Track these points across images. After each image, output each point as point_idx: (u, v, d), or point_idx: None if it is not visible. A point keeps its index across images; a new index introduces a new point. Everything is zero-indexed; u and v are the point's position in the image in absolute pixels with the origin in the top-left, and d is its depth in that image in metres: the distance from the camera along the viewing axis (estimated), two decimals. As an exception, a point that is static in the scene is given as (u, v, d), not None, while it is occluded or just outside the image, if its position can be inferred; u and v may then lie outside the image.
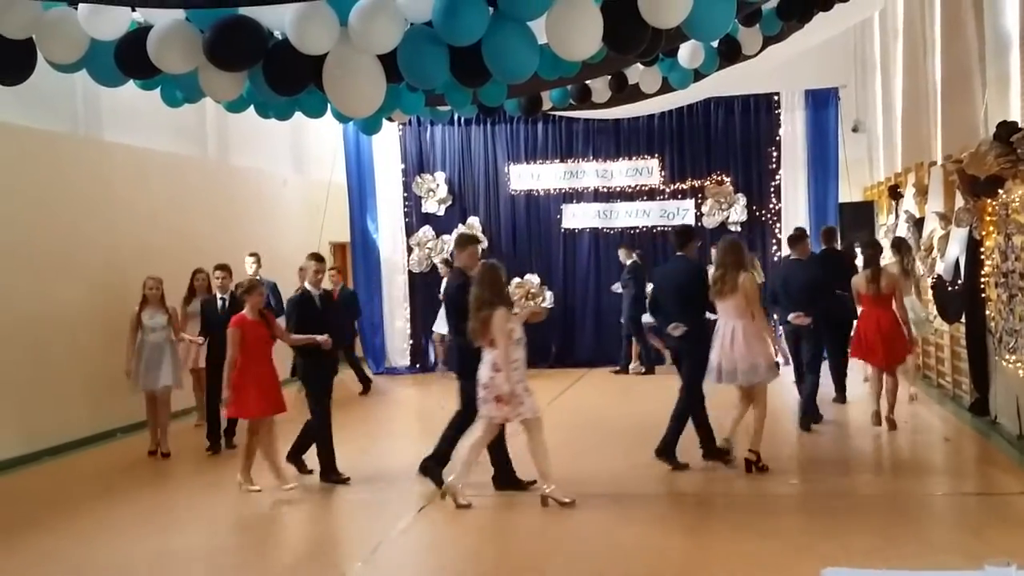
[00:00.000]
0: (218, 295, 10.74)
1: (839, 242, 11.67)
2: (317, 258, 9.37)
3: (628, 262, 15.77)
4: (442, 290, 15.28)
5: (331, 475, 8.92)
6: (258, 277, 11.75)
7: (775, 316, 11.20)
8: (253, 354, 8.63)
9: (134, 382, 10.43)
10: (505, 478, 8.44)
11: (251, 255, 12.53)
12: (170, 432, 10.77)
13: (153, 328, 10.42)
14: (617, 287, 16.03)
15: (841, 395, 11.89)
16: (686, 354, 9.06)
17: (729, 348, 8.62)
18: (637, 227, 16.76)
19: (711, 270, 9.44)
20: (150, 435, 10.65)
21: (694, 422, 9.03)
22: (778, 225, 16.18)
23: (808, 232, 12.24)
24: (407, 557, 7.28)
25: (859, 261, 11.87)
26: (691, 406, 8.98)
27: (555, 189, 17.05)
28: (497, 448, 8.39)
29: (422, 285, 17.11)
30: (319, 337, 8.93)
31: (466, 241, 9.05)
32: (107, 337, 11.14)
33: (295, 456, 9.17)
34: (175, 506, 8.67)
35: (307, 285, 9.24)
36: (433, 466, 8.50)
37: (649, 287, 15.04)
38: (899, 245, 12.00)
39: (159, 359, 10.46)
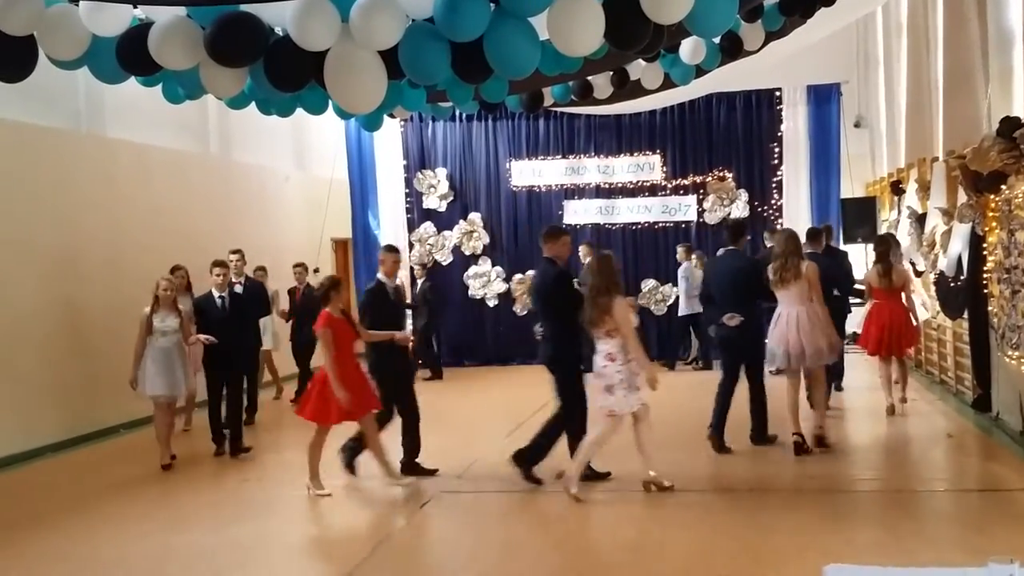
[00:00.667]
0: (215, 293, 10.30)
1: (822, 243, 11.45)
2: (393, 249, 9.28)
3: (588, 260, 15.82)
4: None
5: (416, 468, 8.93)
6: (241, 278, 11.54)
7: None
8: (343, 354, 8.31)
9: (141, 389, 9.72)
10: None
11: (233, 252, 11.75)
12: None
13: (164, 331, 9.71)
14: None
15: (838, 382, 12.16)
16: (742, 344, 9.42)
17: (796, 333, 9.00)
18: (639, 223, 16.75)
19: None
20: (161, 448, 9.86)
21: (753, 407, 9.52)
22: (780, 221, 16.13)
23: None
24: (410, 553, 7.28)
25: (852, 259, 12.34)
26: (758, 393, 9.52)
27: (556, 185, 17.04)
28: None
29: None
30: (398, 334, 8.79)
31: (558, 232, 9.11)
32: (109, 333, 11.16)
33: (410, 463, 8.98)
34: (177, 502, 8.67)
35: (381, 277, 9.01)
36: (525, 459, 8.45)
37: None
38: (885, 241, 11.84)
39: (171, 364, 9.74)
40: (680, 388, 12.58)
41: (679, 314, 15.70)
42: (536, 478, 8.42)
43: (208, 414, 10.57)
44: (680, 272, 15.49)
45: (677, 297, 15.98)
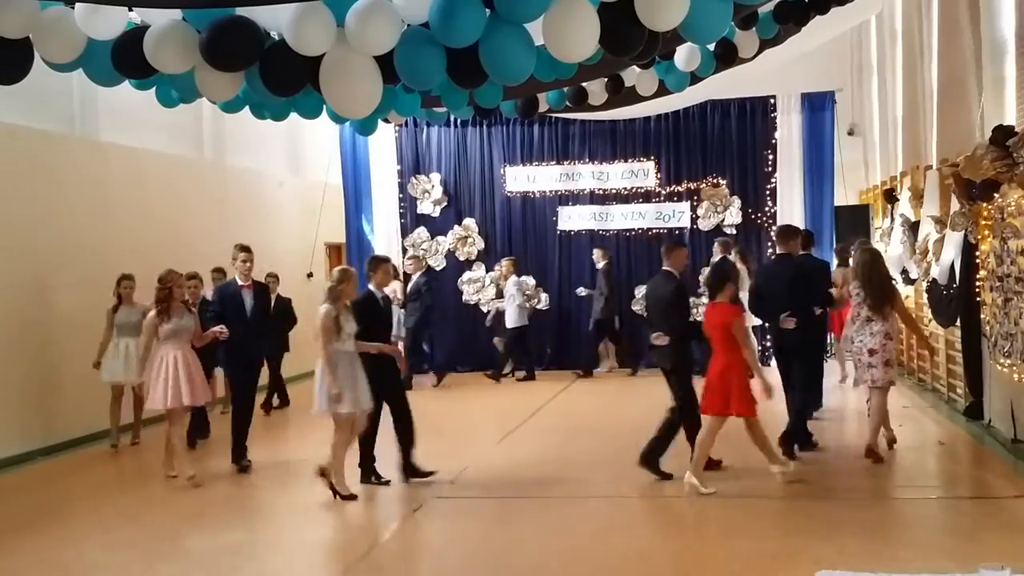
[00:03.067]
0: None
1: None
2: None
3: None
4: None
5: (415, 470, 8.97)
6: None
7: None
8: None
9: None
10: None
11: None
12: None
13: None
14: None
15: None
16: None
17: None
18: (632, 229, 16.76)
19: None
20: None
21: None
22: (773, 228, 16.17)
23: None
24: (403, 557, 7.28)
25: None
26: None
27: (551, 191, 17.04)
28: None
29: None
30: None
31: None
32: (101, 337, 11.11)
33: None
34: (169, 505, 8.64)
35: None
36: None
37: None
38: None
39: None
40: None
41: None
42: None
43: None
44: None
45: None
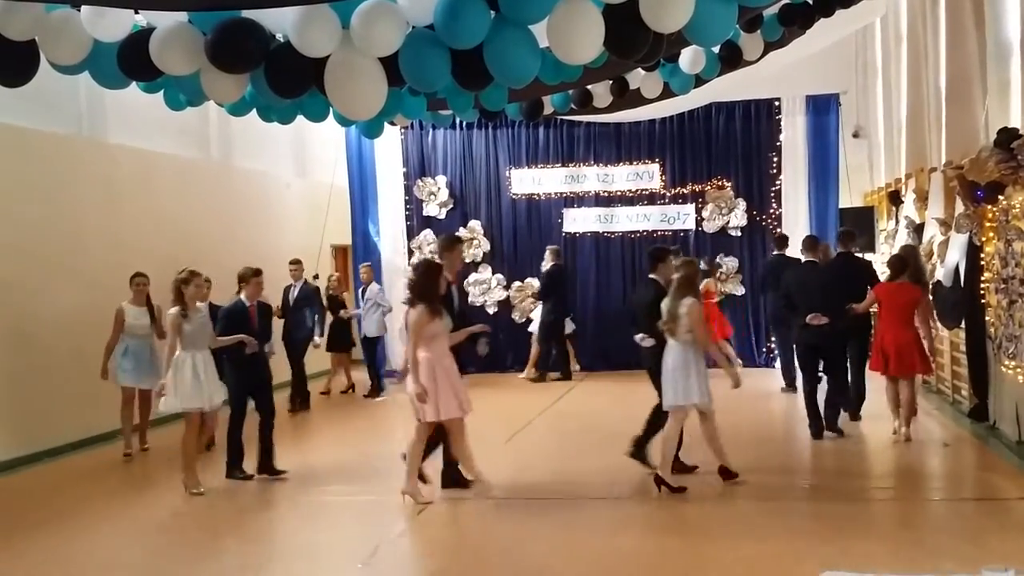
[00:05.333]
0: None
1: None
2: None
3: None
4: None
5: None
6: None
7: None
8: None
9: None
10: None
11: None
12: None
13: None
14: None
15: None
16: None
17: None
18: (637, 231, 16.77)
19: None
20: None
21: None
22: (778, 230, 16.16)
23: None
24: (406, 559, 7.30)
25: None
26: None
27: (556, 193, 17.06)
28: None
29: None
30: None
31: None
32: (108, 339, 11.13)
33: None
34: (174, 508, 8.67)
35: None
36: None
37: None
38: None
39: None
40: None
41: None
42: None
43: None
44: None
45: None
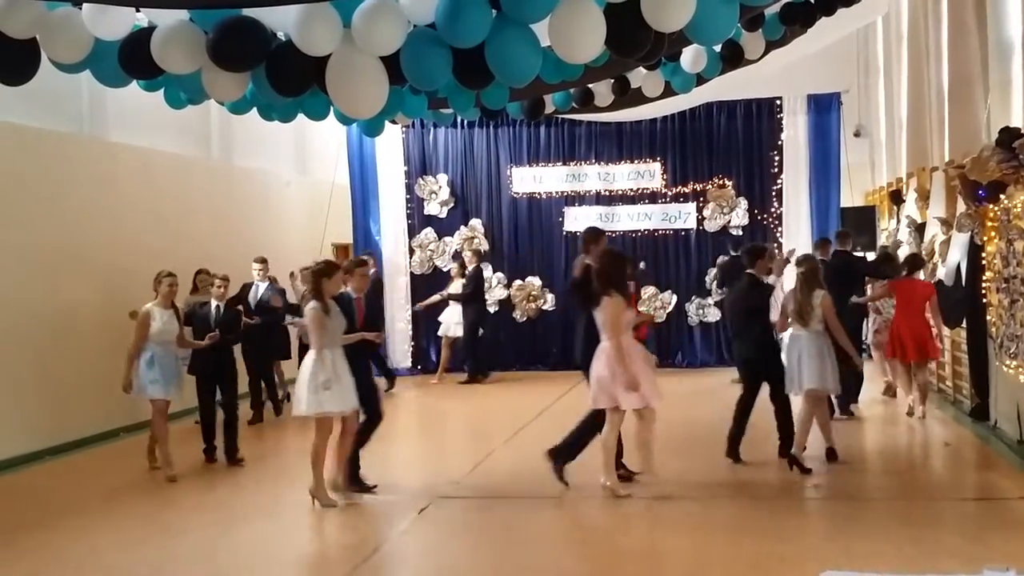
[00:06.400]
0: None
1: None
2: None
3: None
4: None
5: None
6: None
7: None
8: None
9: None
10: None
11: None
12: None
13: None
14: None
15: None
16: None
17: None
18: (638, 230, 16.75)
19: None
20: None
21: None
22: (779, 229, 16.18)
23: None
24: (408, 559, 7.30)
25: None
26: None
27: (557, 192, 17.05)
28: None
29: (424, 287, 17.12)
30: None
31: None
32: (111, 337, 11.14)
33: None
34: (177, 507, 8.68)
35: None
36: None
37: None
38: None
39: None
40: (682, 395, 12.57)
41: None
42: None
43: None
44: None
45: (674, 303, 16.30)
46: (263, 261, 12.84)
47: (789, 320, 9.01)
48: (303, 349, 11.13)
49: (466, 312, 15.78)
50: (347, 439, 8.40)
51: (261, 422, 12.43)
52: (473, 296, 15.83)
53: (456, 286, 16.04)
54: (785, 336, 9.15)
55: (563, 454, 8.49)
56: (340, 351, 8.18)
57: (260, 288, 12.72)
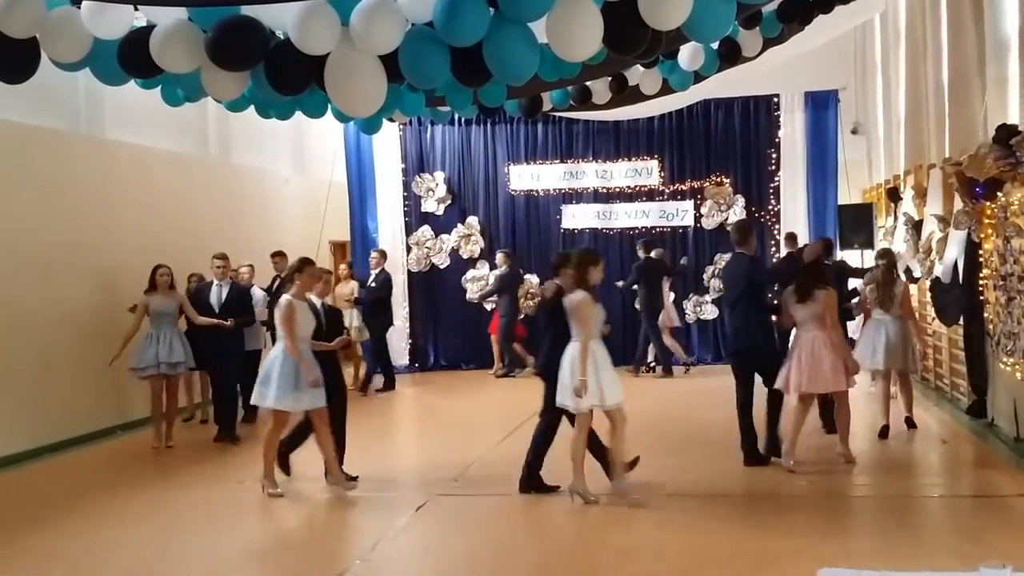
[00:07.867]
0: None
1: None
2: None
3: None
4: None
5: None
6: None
7: None
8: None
9: None
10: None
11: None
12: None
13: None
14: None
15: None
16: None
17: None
18: (636, 228, 16.77)
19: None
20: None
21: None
22: (777, 227, 16.21)
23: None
24: (406, 555, 7.30)
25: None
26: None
27: (555, 189, 17.07)
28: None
29: (421, 284, 17.13)
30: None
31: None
32: (109, 334, 11.14)
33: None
34: (175, 503, 8.67)
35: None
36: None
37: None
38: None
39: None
40: (680, 393, 12.60)
41: None
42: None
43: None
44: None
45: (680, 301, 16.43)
46: (224, 257, 11.59)
47: (868, 305, 10.22)
48: None
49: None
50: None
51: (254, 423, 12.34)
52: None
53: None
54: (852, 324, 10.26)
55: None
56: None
57: (224, 289, 11.36)
